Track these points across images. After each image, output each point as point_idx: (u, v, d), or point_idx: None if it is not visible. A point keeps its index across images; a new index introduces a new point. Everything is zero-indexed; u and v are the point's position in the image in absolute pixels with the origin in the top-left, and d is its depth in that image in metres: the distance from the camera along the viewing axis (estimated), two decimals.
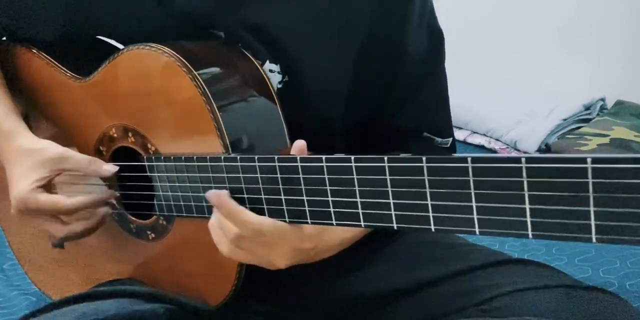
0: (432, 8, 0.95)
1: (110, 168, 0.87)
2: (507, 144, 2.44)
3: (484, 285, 0.84)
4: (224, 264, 0.81)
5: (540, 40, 2.68)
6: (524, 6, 2.69)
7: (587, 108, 2.49)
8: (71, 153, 0.87)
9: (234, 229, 0.72)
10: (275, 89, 0.85)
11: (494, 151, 2.48)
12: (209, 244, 0.82)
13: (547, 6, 2.62)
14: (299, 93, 0.87)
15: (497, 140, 2.48)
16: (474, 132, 2.56)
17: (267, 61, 0.86)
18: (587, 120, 2.45)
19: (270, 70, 0.86)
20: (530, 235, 0.52)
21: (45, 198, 0.85)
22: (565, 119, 2.41)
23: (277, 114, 0.82)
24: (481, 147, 2.51)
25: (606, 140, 2.25)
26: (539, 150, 2.35)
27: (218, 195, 0.73)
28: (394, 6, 0.89)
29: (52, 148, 0.88)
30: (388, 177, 0.61)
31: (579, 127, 2.41)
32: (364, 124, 0.95)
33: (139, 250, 0.92)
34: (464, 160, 0.55)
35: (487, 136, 2.52)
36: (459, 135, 2.54)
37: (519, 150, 2.39)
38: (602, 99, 2.54)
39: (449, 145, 0.98)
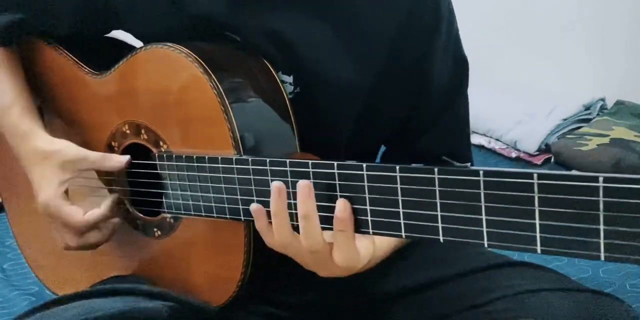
0: (457, 34, 0.95)
1: (123, 158, 0.89)
2: (507, 144, 2.45)
3: (485, 287, 0.85)
4: (229, 264, 0.82)
5: (541, 40, 2.68)
6: (524, 6, 2.69)
7: (587, 108, 2.50)
8: (85, 152, 0.89)
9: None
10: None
11: (494, 151, 2.48)
12: (215, 244, 0.84)
13: (548, 6, 2.62)
14: (309, 106, 0.87)
15: (497, 140, 2.49)
16: (474, 132, 2.56)
17: (280, 72, 0.86)
18: (587, 120, 2.46)
19: (282, 81, 0.86)
20: (539, 251, 0.54)
21: (65, 210, 0.88)
22: (565, 119, 2.42)
23: (289, 119, 0.83)
24: (481, 147, 2.52)
25: (606, 140, 2.26)
26: (539, 150, 2.35)
27: (345, 209, 0.67)
28: (420, 27, 0.89)
29: (69, 149, 0.90)
30: (399, 186, 0.61)
31: (579, 127, 2.41)
32: (374, 146, 0.96)
33: (144, 247, 0.93)
34: (476, 173, 0.56)
35: (487, 136, 2.53)
36: None
37: (519, 151, 2.40)
38: (602, 99, 2.54)
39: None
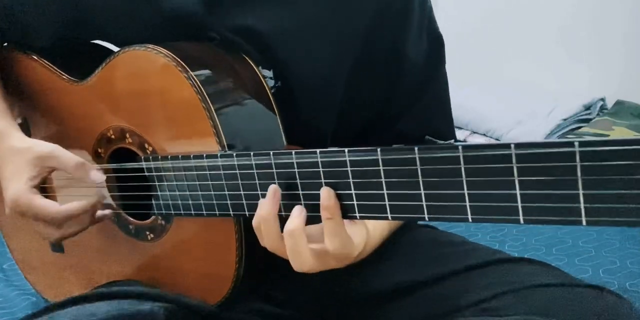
0: (431, 13, 0.95)
1: (97, 177, 0.86)
2: None
3: (483, 283, 0.84)
4: (222, 262, 0.82)
5: (540, 40, 2.69)
6: (524, 6, 2.70)
7: (587, 108, 2.50)
8: (60, 152, 0.86)
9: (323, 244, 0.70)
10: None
11: None
12: (208, 243, 0.83)
13: (547, 6, 2.63)
14: (291, 99, 0.87)
15: (497, 140, 2.48)
16: (474, 132, 2.57)
17: (260, 67, 0.87)
18: (587, 120, 2.46)
19: (264, 76, 0.86)
20: (522, 220, 0.53)
21: (38, 202, 0.85)
22: (565, 119, 2.42)
23: (273, 113, 0.83)
24: None
25: None
26: None
27: (330, 197, 0.66)
28: (392, 13, 0.89)
29: (41, 146, 0.87)
30: (382, 168, 0.61)
31: (579, 127, 2.41)
32: (359, 132, 0.95)
33: (138, 251, 0.92)
34: (455, 148, 0.55)
35: (487, 136, 2.53)
36: (459, 135, 2.55)
37: None
38: (602, 99, 2.54)
39: None
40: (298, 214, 0.69)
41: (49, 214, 0.85)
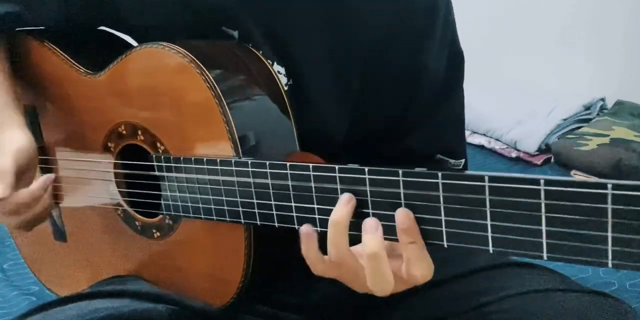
0: (454, 27, 0.94)
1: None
2: (507, 144, 2.44)
3: (486, 287, 0.84)
4: (229, 266, 0.81)
5: (540, 40, 2.68)
6: (524, 6, 2.69)
7: (587, 108, 2.50)
8: (3, 156, 0.85)
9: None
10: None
11: (494, 151, 2.48)
12: (215, 246, 0.83)
13: (547, 6, 2.62)
14: (301, 99, 0.87)
15: (497, 140, 2.48)
16: (474, 132, 2.56)
17: (275, 63, 0.86)
18: (587, 120, 2.46)
19: (278, 72, 0.86)
20: (545, 257, 0.53)
21: None
22: (565, 119, 2.42)
23: (287, 117, 0.82)
24: (481, 147, 2.52)
25: (606, 140, 2.26)
26: (539, 150, 2.35)
27: (409, 219, 0.61)
28: (415, 23, 0.88)
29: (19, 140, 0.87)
30: (402, 191, 0.61)
31: (579, 127, 2.41)
32: (371, 141, 0.95)
33: (143, 248, 0.92)
34: (481, 178, 0.55)
35: (487, 136, 2.53)
36: None
37: (519, 151, 2.40)
38: (602, 99, 2.54)
39: (461, 166, 0.98)
40: (375, 230, 0.63)
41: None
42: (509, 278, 0.86)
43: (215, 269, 0.84)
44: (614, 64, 2.55)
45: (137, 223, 0.91)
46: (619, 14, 2.47)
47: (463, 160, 0.98)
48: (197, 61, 0.78)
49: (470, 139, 2.55)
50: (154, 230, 0.89)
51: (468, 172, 0.56)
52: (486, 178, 0.55)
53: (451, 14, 0.93)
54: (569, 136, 2.34)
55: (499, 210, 0.55)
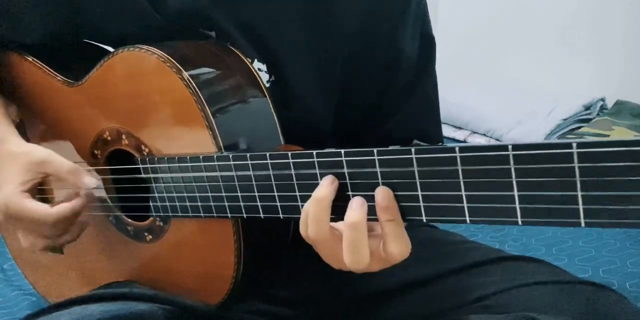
0: (426, 11, 0.95)
1: (90, 182, 0.85)
2: None
3: (483, 281, 0.84)
4: (221, 263, 0.82)
5: (540, 40, 2.69)
6: (524, 6, 2.69)
7: (587, 108, 2.49)
8: (54, 157, 0.86)
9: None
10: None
11: None
12: (206, 244, 0.83)
13: (547, 6, 2.63)
14: (285, 93, 0.87)
15: (497, 140, 2.48)
16: (474, 132, 2.56)
17: (255, 60, 0.87)
18: (587, 120, 2.45)
19: (259, 69, 0.87)
20: (520, 222, 0.53)
21: (28, 205, 0.84)
22: (565, 119, 2.42)
23: (269, 112, 0.82)
24: None
25: None
26: None
27: (389, 197, 0.61)
28: (390, 9, 0.89)
29: (37, 151, 0.87)
30: (378, 170, 0.61)
31: (579, 127, 2.41)
32: (353, 129, 0.95)
33: (137, 252, 0.92)
34: (452, 150, 0.55)
35: (487, 136, 2.52)
36: (459, 135, 2.55)
37: None
38: (602, 99, 2.54)
39: None
40: (360, 206, 0.63)
41: (40, 214, 0.84)
42: (504, 272, 0.85)
43: (208, 266, 0.84)
44: (614, 64, 2.55)
45: (129, 228, 0.92)
46: (619, 14, 2.47)
47: (440, 144, 0.98)
48: (172, 61, 0.78)
49: (470, 138, 2.55)
50: (146, 234, 0.90)
51: (440, 145, 0.57)
52: (457, 149, 0.55)
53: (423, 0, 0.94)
54: (569, 136, 2.33)
55: (471, 180, 0.55)
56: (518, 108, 2.51)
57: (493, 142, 2.49)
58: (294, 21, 0.87)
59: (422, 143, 0.95)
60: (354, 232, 0.62)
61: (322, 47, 0.88)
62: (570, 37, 2.63)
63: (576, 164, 0.48)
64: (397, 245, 0.63)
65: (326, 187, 0.64)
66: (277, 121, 0.82)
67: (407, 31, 0.91)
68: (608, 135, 2.28)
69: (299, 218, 0.69)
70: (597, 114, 2.49)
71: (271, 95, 0.84)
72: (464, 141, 2.56)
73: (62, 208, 0.85)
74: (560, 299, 0.78)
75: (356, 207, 0.63)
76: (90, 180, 0.85)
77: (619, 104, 2.50)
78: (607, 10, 2.50)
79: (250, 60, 0.85)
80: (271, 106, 0.82)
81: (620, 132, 2.29)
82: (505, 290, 0.81)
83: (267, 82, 0.87)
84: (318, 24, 0.87)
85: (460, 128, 2.58)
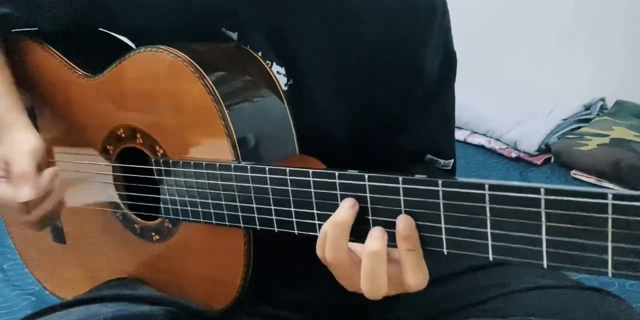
0: (449, 27, 0.94)
1: (23, 194, 0.81)
2: (507, 144, 2.44)
3: (485, 284, 0.85)
4: (229, 269, 0.81)
5: (540, 40, 2.68)
6: (524, 6, 2.69)
7: (587, 108, 2.50)
8: (21, 158, 0.83)
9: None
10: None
11: (494, 151, 2.48)
12: (215, 249, 0.83)
13: (547, 6, 2.62)
14: (302, 98, 0.87)
15: (497, 140, 2.48)
16: (474, 132, 2.56)
17: (274, 63, 0.86)
18: (587, 120, 2.46)
19: (278, 72, 0.86)
20: (545, 266, 0.53)
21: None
22: (565, 119, 2.42)
23: (287, 121, 0.82)
24: (481, 147, 2.52)
25: (606, 140, 2.26)
26: (539, 150, 2.35)
27: (411, 226, 0.61)
28: (415, 21, 0.88)
29: (23, 143, 0.85)
30: (402, 198, 0.60)
31: (579, 127, 2.41)
32: (366, 140, 0.95)
33: (142, 251, 0.92)
34: (482, 186, 0.55)
35: (487, 136, 2.53)
36: (459, 135, 2.55)
37: (519, 151, 2.40)
38: (602, 99, 2.55)
39: (450, 167, 0.99)
40: (380, 235, 0.62)
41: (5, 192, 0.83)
42: (509, 275, 0.86)
43: (215, 272, 0.84)
44: (614, 64, 2.55)
45: (136, 226, 0.91)
46: (619, 14, 2.47)
47: (452, 161, 0.98)
48: (196, 65, 0.77)
49: (471, 139, 2.55)
50: (153, 233, 0.89)
51: (468, 179, 0.56)
52: (486, 186, 0.54)
53: (447, 13, 0.93)
54: (569, 136, 2.34)
55: (499, 218, 0.54)
56: (518, 108, 2.51)
57: (493, 142, 2.49)
58: (317, 26, 0.86)
59: (434, 158, 0.95)
60: (374, 261, 0.62)
61: (343, 53, 0.87)
62: (570, 37, 2.62)
63: (610, 215, 0.48)
64: (415, 276, 0.62)
65: (346, 211, 0.64)
66: (294, 130, 0.82)
67: (430, 44, 0.90)
68: (608, 135, 2.29)
69: (314, 236, 0.68)
70: (597, 114, 2.50)
71: (289, 100, 0.83)
72: (464, 141, 2.56)
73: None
74: (562, 304, 0.79)
75: (376, 236, 0.62)
76: (25, 193, 0.82)
77: (619, 104, 2.51)
78: (607, 10, 2.49)
79: (269, 63, 0.85)
80: (289, 115, 0.82)
81: (620, 132, 2.30)
82: (506, 293, 0.82)
83: (285, 85, 0.87)
84: (341, 30, 0.86)
85: (460, 128, 2.58)
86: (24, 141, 0.86)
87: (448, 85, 0.97)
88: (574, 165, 2.22)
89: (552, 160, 2.33)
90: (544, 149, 2.36)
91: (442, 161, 0.97)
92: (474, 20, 2.76)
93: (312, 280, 0.89)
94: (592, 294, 0.81)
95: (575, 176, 2.22)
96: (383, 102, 0.92)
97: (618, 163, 2.11)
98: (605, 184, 2.14)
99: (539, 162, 2.33)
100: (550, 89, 2.59)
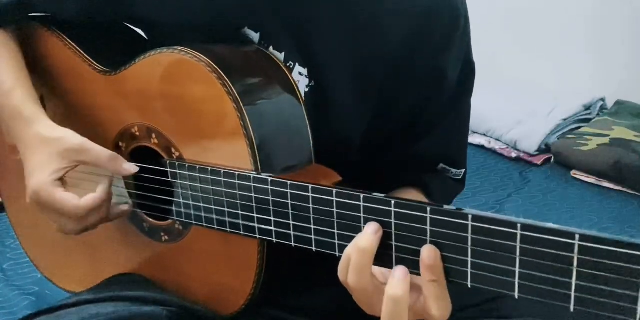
0: (470, 39, 0.94)
1: (131, 168, 0.84)
2: (507, 144, 2.45)
3: None
4: (240, 277, 0.81)
5: (541, 40, 2.67)
6: (524, 6, 2.67)
7: (587, 108, 2.50)
8: (91, 145, 0.83)
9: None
10: (303, 94, 0.84)
11: (494, 151, 2.48)
12: (226, 256, 0.83)
13: (548, 6, 2.61)
14: (323, 99, 0.86)
15: (497, 140, 2.49)
16: (474, 132, 2.56)
17: (297, 64, 0.85)
18: (587, 120, 2.46)
19: (300, 73, 0.85)
20: (516, 296, 0.56)
21: (59, 196, 0.82)
22: (565, 119, 2.42)
23: (306, 129, 0.81)
24: (481, 147, 2.52)
25: (606, 140, 2.27)
26: (539, 150, 2.35)
27: (436, 257, 0.60)
28: (438, 29, 0.87)
29: (72, 138, 0.84)
30: (429, 228, 0.60)
31: (579, 127, 2.42)
32: (383, 146, 0.94)
33: (149, 250, 0.91)
34: (514, 226, 0.54)
35: (487, 136, 2.53)
36: None
37: (519, 151, 2.40)
38: (602, 99, 2.55)
39: (461, 176, 0.99)
40: (403, 277, 0.61)
41: (70, 208, 0.82)
42: None
43: (225, 277, 0.84)
44: (614, 63, 2.55)
45: (144, 224, 0.91)
46: (619, 13, 2.46)
47: (463, 170, 0.98)
48: (219, 70, 0.76)
49: (471, 139, 2.55)
50: (162, 234, 0.89)
51: (500, 216, 0.56)
52: (519, 226, 0.54)
53: (469, 24, 0.93)
54: (569, 136, 2.34)
55: (528, 258, 0.54)
56: (518, 108, 2.51)
57: (493, 142, 2.49)
58: (339, 28, 0.85)
59: (447, 167, 0.95)
60: (395, 306, 0.61)
61: (365, 55, 0.86)
62: (570, 37, 2.62)
63: (575, 255, 0.51)
64: (438, 308, 0.62)
65: (370, 236, 0.63)
66: (311, 140, 0.81)
67: (452, 52, 0.90)
68: (608, 135, 2.30)
69: (332, 255, 0.68)
70: (597, 114, 2.50)
71: (309, 101, 0.83)
72: None
73: (91, 201, 0.83)
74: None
75: (399, 277, 0.61)
76: (131, 166, 0.84)
77: (619, 104, 2.51)
78: (608, 10, 2.49)
79: (292, 64, 0.84)
80: (308, 124, 0.81)
81: (620, 132, 2.31)
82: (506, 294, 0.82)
83: (307, 86, 0.86)
84: (363, 32, 0.85)
85: None
86: (65, 135, 0.85)
87: (466, 94, 0.96)
88: (574, 165, 2.23)
89: (552, 160, 2.34)
90: (544, 149, 2.36)
91: (454, 170, 0.97)
92: (474, 20, 2.74)
93: (321, 286, 0.89)
94: None
95: (575, 176, 2.23)
96: (403, 107, 0.91)
97: (618, 163, 2.12)
98: (605, 183, 2.16)
99: (539, 162, 2.34)
100: (550, 89, 2.59)
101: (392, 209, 0.62)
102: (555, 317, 0.76)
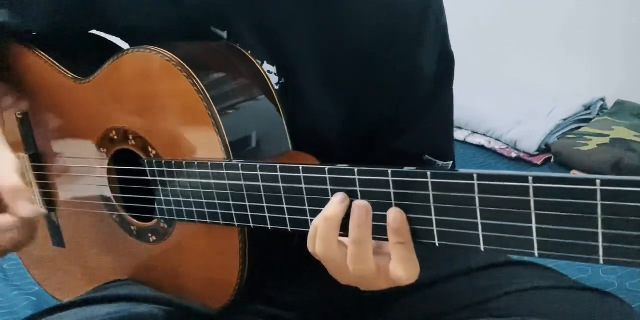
0: (445, 29, 0.93)
1: (27, 210, 0.78)
2: (507, 144, 2.44)
3: (486, 285, 0.85)
4: (225, 268, 0.81)
5: (541, 40, 2.68)
6: (524, 6, 2.68)
7: (587, 108, 2.49)
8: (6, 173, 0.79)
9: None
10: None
11: (494, 151, 2.47)
12: (211, 249, 0.83)
13: (548, 6, 2.62)
14: (293, 97, 0.86)
15: (497, 140, 2.48)
16: (474, 132, 2.56)
17: (265, 62, 0.86)
18: (587, 120, 2.45)
19: (269, 71, 0.86)
20: (537, 255, 0.52)
21: None
22: (565, 119, 2.41)
23: (278, 117, 0.82)
24: (481, 147, 2.51)
25: (606, 140, 2.25)
26: (539, 150, 2.34)
27: (402, 219, 0.61)
28: (407, 27, 0.88)
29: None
30: (392, 191, 0.60)
31: (579, 127, 2.41)
32: (363, 140, 0.94)
33: (140, 253, 0.92)
34: (470, 177, 0.54)
35: (487, 136, 2.52)
36: (459, 135, 2.55)
37: (519, 151, 2.39)
38: (602, 99, 2.54)
39: (449, 168, 0.98)
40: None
41: None
42: (509, 276, 0.86)
43: (212, 271, 0.84)
44: (614, 64, 2.54)
45: (132, 227, 0.91)
46: (619, 14, 2.46)
47: (451, 162, 0.98)
48: (184, 65, 0.77)
49: (470, 139, 2.55)
50: (150, 235, 0.89)
51: (457, 170, 0.56)
52: (475, 176, 0.54)
53: (443, 15, 0.92)
54: (569, 136, 2.33)
55: (489, 208, 0.54)
56: (518, 108, 2.51)
57: (493, 142, 2.49)
58: (307, 25, 0.86)
59: (433, 159, 0.95)
60: (358, 248, 0.63)
61: (333, 55, 0.87)
62: (570, 37, 2.62)
63: (599, 202, 0.48)
64: (405, 269, 0.62)
65: (336, 205, 0.64)
66: (286, 127, 0.82)
67: (425, 48, 0.89)
68: (608, 135, 2.28)
69: (307, 232, 0.68)
70: (597, 114, 2.49)
71: (280, 98, 0.83)
72: (464, 141, 2.55)
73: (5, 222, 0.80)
74: (563, 305, 0.79)
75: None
76: (28, 209, 0.79)
77: (619, 104, 2.50)
78: (607, 10, 2.49)
79: (260, 62, 0.85)
80: (281, 111, 0.82)
81: (620, 132, 2.29)
82: (508, 294, 0.82)
83: (277, 84, 0.87)
84: (331, 30, 0.86)
85: (460, 128, 2.57)
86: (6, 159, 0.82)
87: (446, 85, 0.96)
88: (574, 165, 2.21)
89: (552, 160, 2.33)
90: (544, 149, 2.35)
91: (440, 163, 0.97)
92: (474, 20, 2.76)
93: (310, 281, 0.89)
94: (591, 294, 0.81)
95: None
96: (377, 103, 0.91)
97: (618, 163, 2.10)
98: None
99: (539, 162, 2.33)
100: (550, 89, 2.59)
101: (356, 176, 0.62)
102: (555, 316, 0.76)
